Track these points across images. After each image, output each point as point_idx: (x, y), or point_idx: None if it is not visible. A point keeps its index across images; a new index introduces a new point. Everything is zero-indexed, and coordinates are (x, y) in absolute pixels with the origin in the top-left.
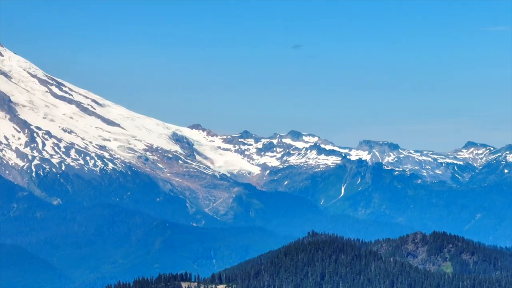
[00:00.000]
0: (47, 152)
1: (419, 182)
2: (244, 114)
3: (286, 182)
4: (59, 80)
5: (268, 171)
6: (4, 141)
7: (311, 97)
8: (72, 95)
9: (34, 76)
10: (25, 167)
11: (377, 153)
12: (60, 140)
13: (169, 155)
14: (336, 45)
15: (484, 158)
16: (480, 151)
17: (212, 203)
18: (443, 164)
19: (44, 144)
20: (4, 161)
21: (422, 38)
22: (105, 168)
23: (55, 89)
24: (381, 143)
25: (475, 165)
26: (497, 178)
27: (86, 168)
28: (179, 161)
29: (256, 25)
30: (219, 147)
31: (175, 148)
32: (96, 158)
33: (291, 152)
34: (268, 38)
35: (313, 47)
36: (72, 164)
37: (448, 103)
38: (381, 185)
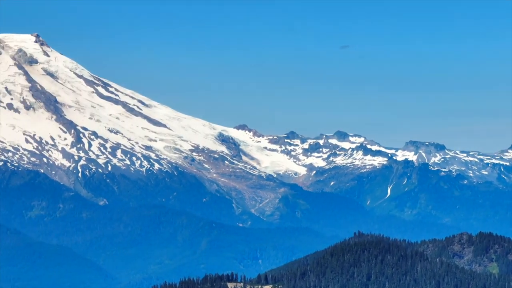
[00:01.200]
0: (93, 153)
1: (465, 182)
2: (291, 114)
3: (332, 183)
4: (105, 80)
5: (314, 172)
6: (51, 142)
7: (358, 98)
8: (118, 95)
9: (80, 76)
10: (71, 168)
11: (423, 154)
12: (106, 140)
13: (215, 155)
14: (383, 45)
15: None
16: None
17: (258, 203)
18: (489, 165)
19: (90, 145)
20: (51, 162)
21: (468, 39)
22: (151, 168)
23: (101, 90)
24: (427, 143)
25: None
26: None
27: (132, 169)
28: (225, 162)
29: (303, 26)
30: (265, 148)
31: (221, 148)
32: (142, 159)
33: (337, 152)
34: (315, 38)
35: (361, 47)
36: (118, 164)
37: (494, 104)
38: (427, 186)
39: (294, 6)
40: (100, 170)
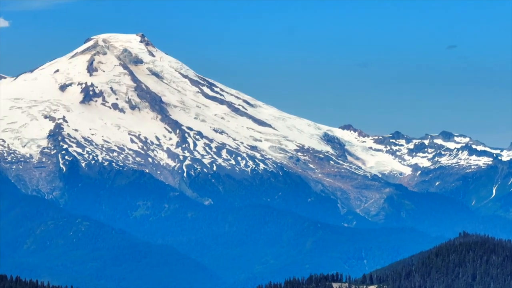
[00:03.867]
0: (199, 153)
1: None
2: (396, 114)
3: (437, 183)
4: (211, 80)
5: (419, 172)
6: (156, 142)
7: (463, 98)
8: (223, 95)
9: (185, 76)
10: (176, 168)
11: None
12: (211, 140)
13: (321, 155)
14: (491, 46)
15: None
16: None
17: (363, 203)
18: None
19: (195, 145)
20: (156, 162)
21: None
22: (256, 168)
23: (207, 90)
24: None
25: None
26: None
27: (237, 169)
28: (331, 162)
29: (410, 25)
30: (371, 148)
31: (327, 148)
32: (247, 159)
33: (443, 152)
34: (422, 38)
35: (468, 47)
36: (223, 164)
37: None
38: None
39: (401, 5)
40: (205, 170)
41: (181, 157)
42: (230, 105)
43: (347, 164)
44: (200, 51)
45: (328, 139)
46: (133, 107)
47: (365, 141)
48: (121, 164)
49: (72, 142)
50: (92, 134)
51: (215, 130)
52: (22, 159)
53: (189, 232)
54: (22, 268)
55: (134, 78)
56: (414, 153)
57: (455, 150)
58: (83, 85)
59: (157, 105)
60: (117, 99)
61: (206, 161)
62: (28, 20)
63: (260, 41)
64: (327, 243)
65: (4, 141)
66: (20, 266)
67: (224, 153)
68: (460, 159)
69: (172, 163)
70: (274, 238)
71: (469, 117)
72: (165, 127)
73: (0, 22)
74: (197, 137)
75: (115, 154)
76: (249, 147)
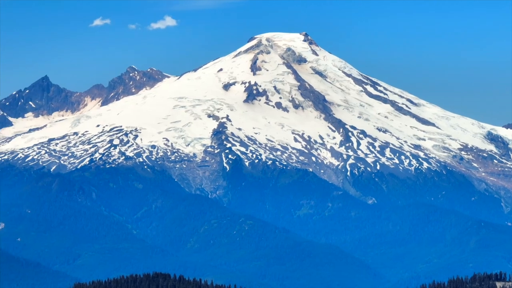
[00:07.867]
0: (362, 152)
1: None
2: None
3: None
4: (374, 79)
5: None
6: (319, 140)
7: None
8: (387, 94)
9: (349, 75)
10: (339, 166)
11: None
12: (375, 139)
13: (484, 154)
14: None
15: None
16: None
17: None
18: None
19: (359, 144)
20: (319, 160)
21: None
22: (419, 167)
23: (370, 89)
24: None
25: None
26: None
27: (401, 167)
28: (494, 161)
29: None
30: None
31: (490, 147)
32: (411, 157)
33: None
34: None
35: None
36: (387, 163)
37: None
38: None
39: None
40: (368, 169)
41: (344, 156)
42: (393, 104)
43: (511, 163)
44: (364, 50)
45: (492, 138)
46: (296, 106)
47: None
48: (285, 163)
49: (236, 141)
50: (256, 133)
51: (379, 129)
52: (186, 158)
53: (352, 231)
54: (185, 267)
55: (298, 77)
56: None
57: None
58: (247, 84)
59: (321, 104)
60: (280, 98)
61: (369, 160)
62: (194, 20)
63: (423, 39)
64: (490, 242)
65: (167, 140)
66: (184, 265)
67: (387, 152)
68: None
69: (335, 162)
70: (437, 237)
71: None
72: (328, 126)
73: (168, 21)
74: (361, 136)
75: (278, 153)
76: (412, 146)
